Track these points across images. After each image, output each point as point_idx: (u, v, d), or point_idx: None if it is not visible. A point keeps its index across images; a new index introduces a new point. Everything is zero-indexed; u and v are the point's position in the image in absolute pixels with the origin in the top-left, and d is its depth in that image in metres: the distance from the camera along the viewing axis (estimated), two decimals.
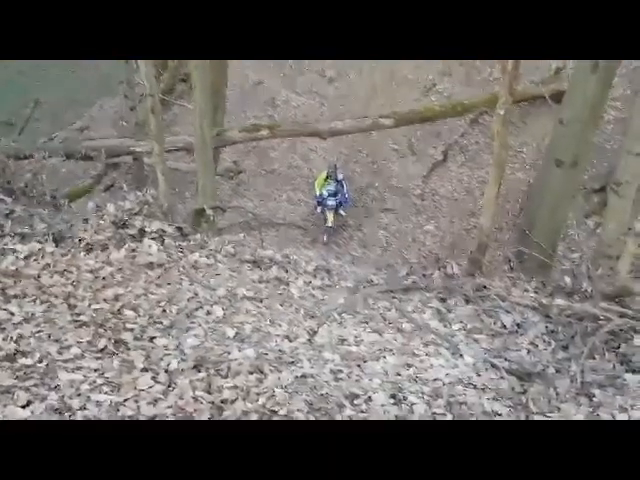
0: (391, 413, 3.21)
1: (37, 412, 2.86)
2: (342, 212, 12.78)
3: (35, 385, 3.09)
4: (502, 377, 3.75)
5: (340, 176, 12.52)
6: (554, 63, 12.44)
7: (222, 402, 3.15)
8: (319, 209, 12.82)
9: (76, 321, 3.87)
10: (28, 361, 3.30)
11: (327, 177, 12.50)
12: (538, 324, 4.50)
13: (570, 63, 11.54)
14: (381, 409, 3.24)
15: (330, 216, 12.52)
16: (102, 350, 3.57)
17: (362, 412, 3.20)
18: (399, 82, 14.20)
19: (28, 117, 12.36)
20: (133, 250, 5.14)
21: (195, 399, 3.13)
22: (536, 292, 5.17)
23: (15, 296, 4.08)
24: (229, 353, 3.70)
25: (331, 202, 12.44)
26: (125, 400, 3.05)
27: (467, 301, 5.07)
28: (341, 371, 3.66)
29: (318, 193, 12.58)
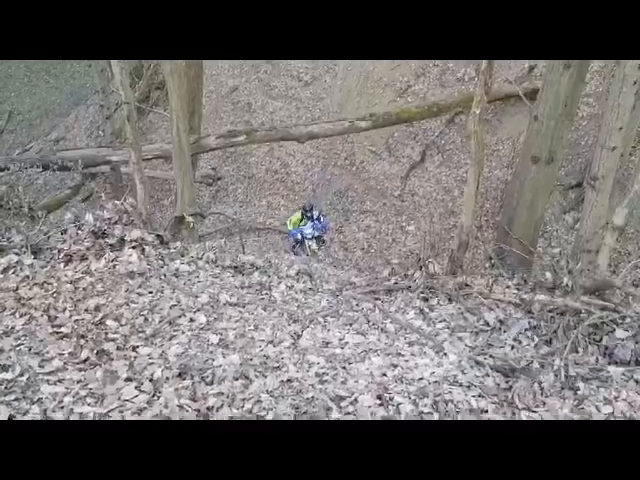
0: (378, 414, 3.19)
1: None
2: (316, 246, 11.80)
3: (17, 399, 3.04)
4: (487, 374, 3.74)
5: (316, 213, 11.64)
6: (527, 62, 12.55)
7: (208, 409, 3.13)
8: (298, 248, 11.82)
9: (57, 333, 3.84)
10: (9, 375, 3.25)
11: (302, 218, 11.58)
12: (521, 320, 4.51)
13: (543, 61, 11.64)
14: (367, 410, 3.22)
15: (313, 244, 11.66)
16: (84, 361, 3.53)
17: (348, 414, 3.18)
18: (374, 84, 14.26)
19: (2, 129, 12.25)
20: (113, 259, 5.10)
21: (180, 407, 3.11)
22: (518, 288, 5.21)
23: None
24: (213, 360, 3.68)
25: (309, 230, 11.53)
26: (109, 411, 3.01)
27: (450, 300, 5.08)
28: (326, 374, 3.64)
29: (292, 228, 11.67)
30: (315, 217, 11.56)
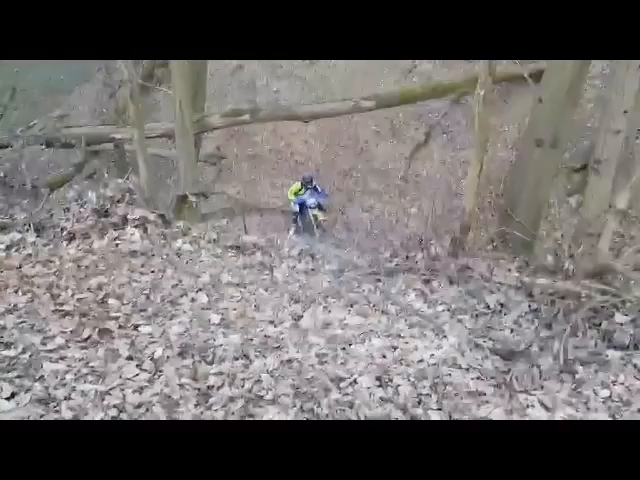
0: (376, 395, 3.24)
1: (22, 403, 2.86)
2: (322, 216, 12.33)
3: (19, 376, 3.09)
4: (486, 357, 3.77)
5: (314, 182, 12.24)
6: None
7: (208, 388, 3.17)
8: (299, 218, 12.44)
9: (59, 311, 3.87)
10: (11, 352, 3.30)
11: (301, 188, 12.19)
12: (521, 303, 4.52)
13: None
14: (366, 392, 3.26)
15: (316, 213, 12.18)
16: (86, 339, 3.58)
17: (348, 395, 3.22)
18: (379, 64, 14.14)
19: (6, 105, 12.21)
20: (116, 238, 5.15)
21: (181, 386, 3.15)
22: (519, 271, 5.19)
23: None
24: (214, 339, 3.72)
25: (312, 200, 12.08)
26: (111, 389, 3.06)
27: (451, 282, 5.07)
28: (326, 355, 3.67)
29: (293, 199, 12.27)
30: (313, 186, 12.08)
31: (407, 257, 5.56)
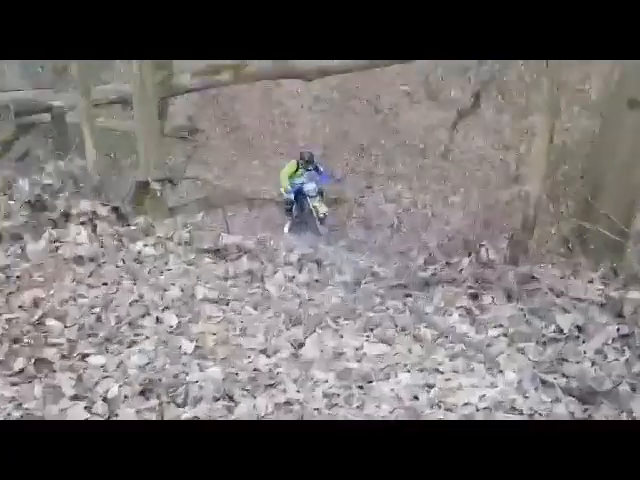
0: None
1: None
2: (325, 208, 12.34)
3: None
4: (557, 399, 3.76)
5: (315, 162, 12.41)
6: None
7: None
8: (295, 209, 12.57)
9: None
10: None
11: (297, 169, 12.31)
12: (607, 326, 4.48)
13: None
14: None
15: (317, 203, 12.24)
16: (19, 373, 3.66)
17: None
18: None
19: None
20: (55, 240, 5.21)
21: None
22: (604, 283, 5.15)
23: None
24: (187, 374, 3.79)
25: (311, 185, 12.21)
26: None
27: (509, 297, 5.07)
28: (337, 395, 3.73)
29: (287, 185, 12.30)
30: (314, 167, 12.21)
31: (447, 264, 5.58)
